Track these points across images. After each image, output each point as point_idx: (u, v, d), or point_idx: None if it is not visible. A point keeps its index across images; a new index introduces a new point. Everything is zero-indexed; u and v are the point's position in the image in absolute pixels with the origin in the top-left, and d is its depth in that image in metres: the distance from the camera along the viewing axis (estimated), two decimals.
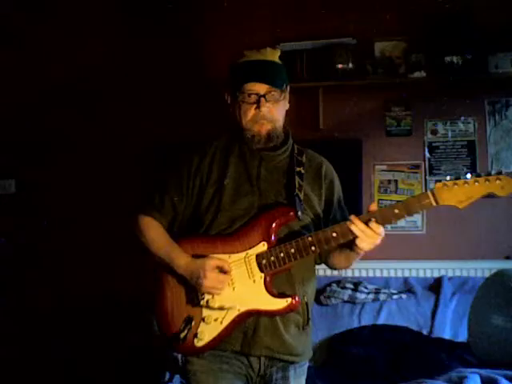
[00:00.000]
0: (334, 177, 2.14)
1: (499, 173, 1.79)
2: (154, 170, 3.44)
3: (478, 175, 1.80)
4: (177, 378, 2.98)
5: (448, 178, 1.82)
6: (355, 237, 1.86)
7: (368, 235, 1.85)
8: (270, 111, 1.99)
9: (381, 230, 1.86)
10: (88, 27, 4.17)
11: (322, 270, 3.61)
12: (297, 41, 3.98)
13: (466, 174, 1.82)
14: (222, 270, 1.94)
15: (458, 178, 1.81)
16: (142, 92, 4.11)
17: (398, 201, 1.96)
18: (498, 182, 1.78)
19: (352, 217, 1.87)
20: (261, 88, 1.98)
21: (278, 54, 2.06)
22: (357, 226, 1.85)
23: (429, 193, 1.83)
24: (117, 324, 3.81)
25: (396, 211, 1.85)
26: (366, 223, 1.85)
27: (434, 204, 1.82)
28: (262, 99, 1.97)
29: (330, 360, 3.40)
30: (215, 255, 1.96)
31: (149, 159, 3.96)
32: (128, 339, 3.62)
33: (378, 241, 1.87)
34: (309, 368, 2.19)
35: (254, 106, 1.99)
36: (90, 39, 4.16)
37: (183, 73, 4.11)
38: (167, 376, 2.95)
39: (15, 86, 4.17)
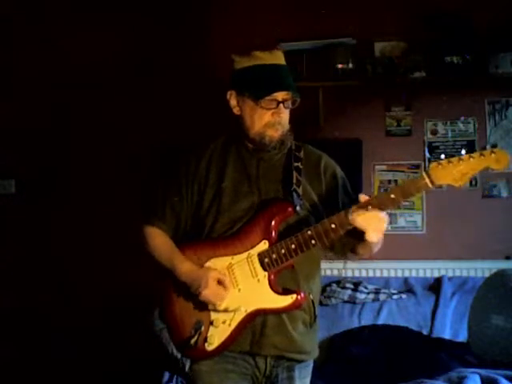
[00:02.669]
0: (336, 168, 2.12)
1: (494, 146, 1.78)
2: (154, 173, 3.44)
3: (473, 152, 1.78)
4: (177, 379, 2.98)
5: (442, 156, 1.79)
6: (354, 227, 1.84)
7: (370, 222, 1.82)
8: (284, 117, 2.00)
9: (381, 214, 1.83)
10: (88, 27, 4.16)
11: (321, 270, 3.59)
12: (297, 41, 3.98)
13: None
14: (222, 284, 1.94)
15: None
16: (143, 93, 4.10)
17: None
18: (492, 155, 1.75)
19: (352, 207, 1.85)
20: (281, 95, 1.97)
21: (283, 55, 2.04)
22: (357, 214, 1.82)
23: (424, 174, 1.80)
24: (117, 324, 3.81)
25: (392, 196, 1.83)
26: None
27: (430, 185, 1.79)
28: (281, 106, 1.97)
29: (330, 360, 3.39)
30: (216, 270, 1.95)
31: (149, 161, 3.95)
32: (128, 339, 3.62)
33: (383, 227, 1.84)
34: None
35: (272, 111, 1.97)
36: (91, 40, 4.15)
37: (183, 73, 4.11)
38: (167, 376, 2.94)
39: (15, 86, 4.17)
